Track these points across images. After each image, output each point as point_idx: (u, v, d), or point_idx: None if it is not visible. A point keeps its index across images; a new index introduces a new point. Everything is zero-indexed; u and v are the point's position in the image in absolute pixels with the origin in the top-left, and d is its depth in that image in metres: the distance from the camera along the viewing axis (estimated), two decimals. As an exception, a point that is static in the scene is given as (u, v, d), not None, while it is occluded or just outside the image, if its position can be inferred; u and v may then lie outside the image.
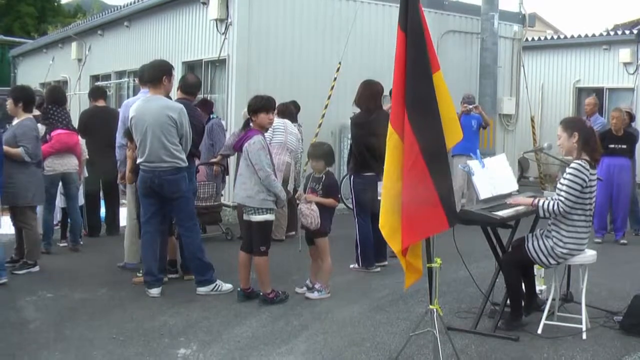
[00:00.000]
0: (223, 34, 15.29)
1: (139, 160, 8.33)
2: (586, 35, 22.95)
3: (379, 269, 9.94)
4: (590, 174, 6.82)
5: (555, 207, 6.77)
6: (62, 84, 24.85)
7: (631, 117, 12.73)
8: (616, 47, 21.97)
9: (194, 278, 8.69)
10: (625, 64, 21.70)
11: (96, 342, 6.78)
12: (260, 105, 8.13)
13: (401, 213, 5.71)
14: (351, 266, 10.00)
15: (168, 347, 6.67)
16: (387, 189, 5.86)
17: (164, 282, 8.57)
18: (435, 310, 5.95)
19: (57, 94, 11.03)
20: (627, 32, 22.02)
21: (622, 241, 12.19)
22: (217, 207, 12.03)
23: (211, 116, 12.39)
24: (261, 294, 8.14)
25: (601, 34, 22.72)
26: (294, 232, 11.60)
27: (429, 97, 5.79)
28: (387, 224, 5.83)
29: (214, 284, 8.58)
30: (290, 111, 12.25)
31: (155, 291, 8.34)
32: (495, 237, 7.44)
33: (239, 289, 8.29)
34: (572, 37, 23.47)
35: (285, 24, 15.47)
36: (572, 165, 6.86)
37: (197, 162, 9.63)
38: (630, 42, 21.69)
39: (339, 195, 8.51)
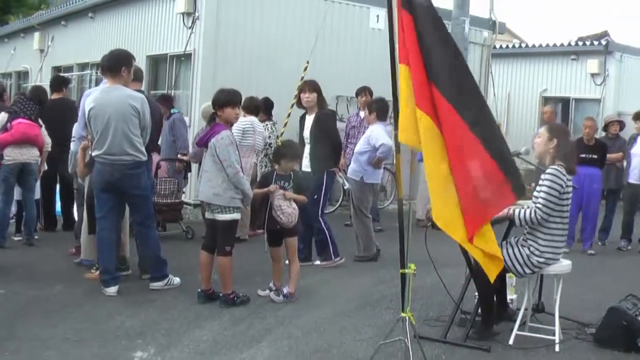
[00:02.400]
0: (190, 28, 14.98)
1: (95, 153, 7.99)
2: (554, 45, 22.94)
3: (343, 259, 10.10)
4: (567, 179, 6.69)
5: (533, 215, 6.59)
6: (22, 75, 24.37)
7: (621, 126, 12.78)
8: (584, 58, 21.99)
9: (147, 276, 8.47)
10: (593, 75, 21.73)
11: (50, 343, 6.44)
12: (227, 100, 7.84)
13: (458, 197, 5.47)
14: (317, 263, 9.96)
15: (125, 350, 6.34)
16: (432, 176, 5.64)
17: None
18: (407, 318, 5.70)
19: (38, 93, 11.00)
20: (596, 43, 22.01)
21: (589, 251, 12.07)
22: (178, 204, 11.74)
23: (172, 111, 12.11)
24: (221, 295, 7.85)
25: (570, 44, 22.70)
26: (262, 231, 11.35)
27: (455, 68, 5.67)
28: (442, 215, 5.66)
29: (167, 279, 8.39)
30: (256, 105, 11.93)
31: (112, 290, 8.00)
32: (469, 243, 7.20)
33: (199, 289, 7.97)
34: (541, 45, 23.42)
35: (254, 20, 15.19)
36: (549, 171, 6.72)
37: (155, 157, 9.33)
38: (599, 53, 21.71)
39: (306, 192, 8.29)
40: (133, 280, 8.63)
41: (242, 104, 11.02)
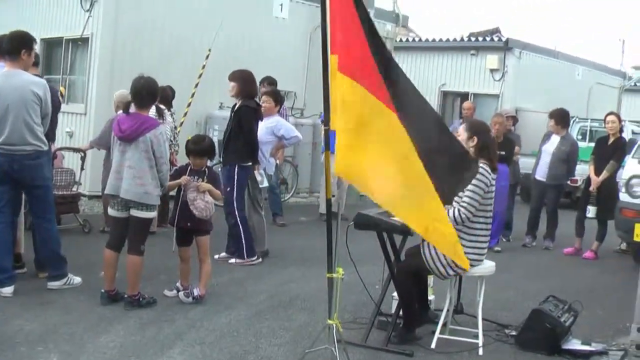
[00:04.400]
0: (87, 11, 14.31)
1: None
2: (454, 40, 23.06)
3: (260, 259, 9.76)
4: (492, 178, 6.52)
5: (457, 214, 6.37)
6: None
7: (514, 121, 12.71)
8: (484, 54, 22.18)
9: (45, 275, 7.96)
10: (492, 71, 21.96)
11: (-64, 352, 5.87)
12: (156, 93, 7.58)
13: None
14: (232, 260, 9.60)
15: (25, 358, 5.83)
16: (393, 172, 5.37)
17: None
18: (334, 325, 5.38)
19: None
20: (496, 39, 22.23)
21: (496, 248, 11.99)
22: (75, 196, 11.14)
23: None
24: (126, 295, 7.38)
25: (469, 39, 22.88)
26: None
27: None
28: (402, 208, 5.47)
29: (66, 278, 7.89)
30: (167, 96, 11.44)
31: (8, 290, 7.42)
32: (391, 243, 6.93)
33: (102, 290, 7.47)
34: (441, 40, 23.52)
35: (156, 5, 14.62)
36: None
37: (53, 146, 8.77)
38: (498, 49, 21.95)
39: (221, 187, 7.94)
40: (29, 280, 8.02)
41: None
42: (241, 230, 9.56)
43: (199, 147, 7.87)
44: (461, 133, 6.81)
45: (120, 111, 7.79)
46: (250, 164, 9.59)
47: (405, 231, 6.48)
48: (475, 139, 6.68)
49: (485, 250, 6.71)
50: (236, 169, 9.46)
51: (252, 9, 16.06)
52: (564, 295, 7.66)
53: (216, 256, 9.48)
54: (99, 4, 14.18)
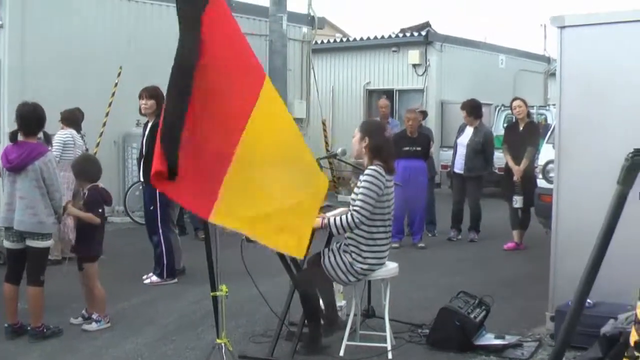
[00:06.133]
0: (-6, 37, 13.98)
1: None
2: (375, 38, 23.11)
3: (176, 279, 9.51)
4: (387, 180, 6.35)
5: (350, 219, 6.21)
6: None
7: (424, 115, 12.65)
8: (405, 49, 22.31)
9: None
10: (415, 66, 22.07)
11: None
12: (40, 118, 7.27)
13: None
14: (147, 281, 9.38)
15: None
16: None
17: None
18: (223, 345, 5.21)
19: None
20: (416, 34, 22.27)
21: (420, 244, 11.94)
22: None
23: None
24: (30, 328, 7.13)
25: (390, 36, 22.91)
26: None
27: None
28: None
29: None
30: (76, 118, 11.21)
31: None
32: (289, 253, 6.77)
33: (6, 324, 7.20)
34: (362, 39, 23.54)
35: (61, 26, 14.29)
36: (367, 171, 6.36)
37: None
38: (419, 44, 22.05)
39: (100, 210, 7.62)
40: None
41: (62, 115, 10.74)
42: (164, 250, 9.36)
43: (74, 168, 7.80)
44: (355, 133, 6.68)
45: None
46: None
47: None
48: (367, 139, 6.51)
49: (386, 254, 6.54)
50: None
51: (168, 20, 15.65)
52: (488, 287, 7.60)
53: (146, 280, 9.34)
54: (4, 28, 13.86)
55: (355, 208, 6.21)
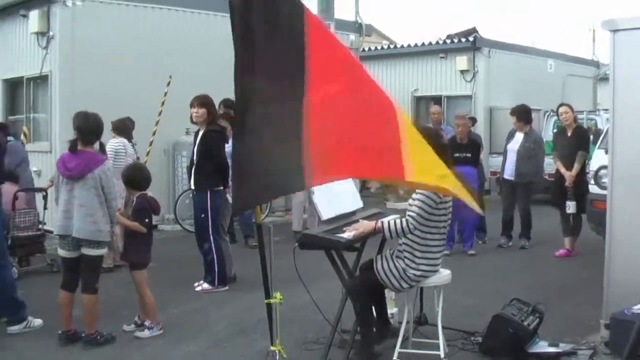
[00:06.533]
0: (44, 48, 14.22)
1: None
2: (422, 44, 23.01)
3: (227, 287, 9.54)
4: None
5: (405, 224, 6.17)
6: None
7: (473, 122, 12.56)
8: (453, 56, 22.18)
9: (5, 320, 7.78)
10: (463, 72, 21.90)
11: None
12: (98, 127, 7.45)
13: None
14: (199, 289, 9.44)
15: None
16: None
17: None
18: (277, 352, 5.21)
19: None
20: (463, 40, 22.15)
21: (470, 252, 11.86)
22: (40, 236, 10.97)
23: (8, 139, 11.34)
24: (83, 335, 7.22)
25: (437, 43, 22.82)
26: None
27: None
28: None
29: (26, 321, 7.73)
30: (126, 128, 11.39)
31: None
32: (341, 260, 6.72)
33: (60, 331, 7.30)
34: (409, 46, 23.47)
35: (111, 37, 14.42)
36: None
37: (10, 188, 8.62)
38: (467, 50, 21.91)
39: (146, 220, 7.68)
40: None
41: (113, 124, 10.84)
42: (215, 257, 9.42)
43: (123, 177, 7.89)
44: None
45: None
46: (222, 188, 9.50)
47: (350, 247, 6.34)
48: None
49: (440, 261, 6.48)
50: (208, 195, 9.38)
51: (215, 29, 15.70)
52: (539, 294, 7.51)
53: (197, 288, 9.40)
54: (54, 40, 14.07)
55: (411, 214, 6.17)
